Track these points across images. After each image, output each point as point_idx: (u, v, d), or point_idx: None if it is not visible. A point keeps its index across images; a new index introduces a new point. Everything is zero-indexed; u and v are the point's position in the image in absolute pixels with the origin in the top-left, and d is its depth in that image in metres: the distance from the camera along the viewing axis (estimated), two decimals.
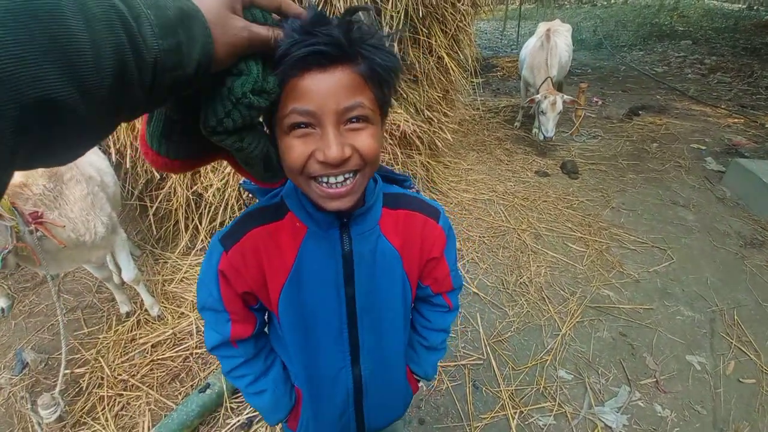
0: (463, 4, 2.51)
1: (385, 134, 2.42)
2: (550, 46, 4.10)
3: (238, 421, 1.67)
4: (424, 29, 2.36)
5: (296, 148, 0.54)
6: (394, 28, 2.03)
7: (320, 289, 0.70)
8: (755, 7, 13.83)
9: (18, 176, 1.56)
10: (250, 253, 0.68)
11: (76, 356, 2.01)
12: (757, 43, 8.61)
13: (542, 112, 3.77)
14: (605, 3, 16.53)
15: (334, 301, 0.71)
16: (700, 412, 1.72)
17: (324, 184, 0.56)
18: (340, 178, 0.55)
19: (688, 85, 6.34)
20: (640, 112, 5.11)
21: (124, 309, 2.23)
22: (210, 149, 0.55)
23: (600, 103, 5.67)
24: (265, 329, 0.86)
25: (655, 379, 1.84)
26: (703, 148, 4.14)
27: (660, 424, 1.67)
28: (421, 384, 1.05)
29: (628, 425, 1.66)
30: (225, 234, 0.70)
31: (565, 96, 3.80)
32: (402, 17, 2.08)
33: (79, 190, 1.68)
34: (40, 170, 1.58)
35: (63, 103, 0.29)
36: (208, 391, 1.65)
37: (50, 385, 1.90)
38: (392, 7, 2.02)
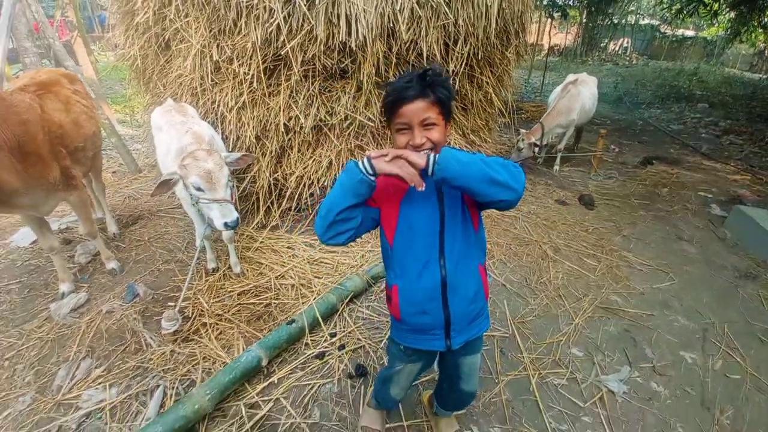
0: (509, 53, 3.10)
1: None
2: (566, 94, 4.70)
3: (313, 352, 2.09)
4: (478, 68, 2.93)
5: (401, 139, 1.07)
6: (452, 68, 2.61)
7: (424, 203, 1.16)
8: None
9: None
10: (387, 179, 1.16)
11: (177, 294, 2.47)
12: None
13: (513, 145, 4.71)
14: (626, 63, 17.48)
15: (432, 214, 1.16)
16: (689, 392, 2.07)
17: None
18: (422, 153, 1.04)
19: (701, 143, 6.82)
20: (653, 161, 5.59)
21: (211, 265, 2.70)
22: None
23: (617, 150, 6.18)
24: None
25: (652, 365, 2.21)
26: (710, 196, 4.57)
27: (655, 396, 2.03)
28: None
29: (628, 393, 2.03)
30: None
31: (534, 139, 4.50)
32: (465, 58, 2.65)
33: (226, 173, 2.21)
34: (225, 170, 2.06)
35: None
36: (294, 325, 2.09)
37: (158, 312, 2.35)
38: (459, 49, 2.59)
